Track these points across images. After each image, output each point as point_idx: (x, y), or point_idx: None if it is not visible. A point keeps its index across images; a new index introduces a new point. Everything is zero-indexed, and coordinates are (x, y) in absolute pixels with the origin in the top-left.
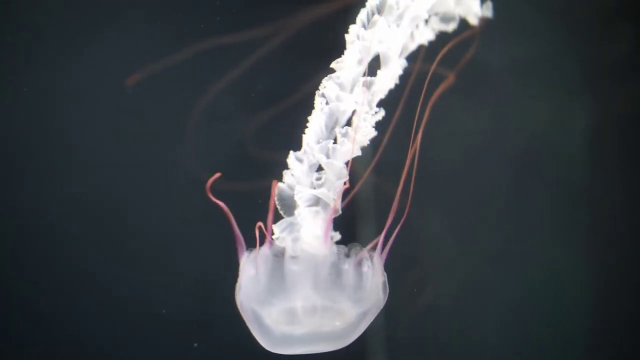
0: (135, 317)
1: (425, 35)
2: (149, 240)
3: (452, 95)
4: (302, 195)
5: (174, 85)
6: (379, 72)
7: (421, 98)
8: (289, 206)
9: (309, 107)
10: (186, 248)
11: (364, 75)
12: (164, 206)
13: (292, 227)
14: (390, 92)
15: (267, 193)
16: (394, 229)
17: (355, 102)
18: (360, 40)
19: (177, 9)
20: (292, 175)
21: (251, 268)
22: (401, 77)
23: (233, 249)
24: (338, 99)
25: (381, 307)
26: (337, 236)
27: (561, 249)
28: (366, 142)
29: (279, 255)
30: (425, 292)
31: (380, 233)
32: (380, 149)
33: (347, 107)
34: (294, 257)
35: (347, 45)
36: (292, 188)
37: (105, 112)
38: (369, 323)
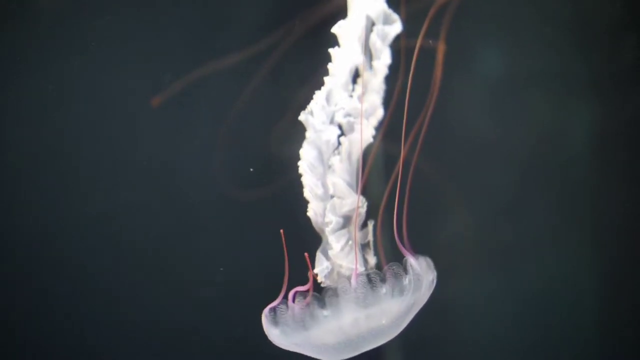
0: (165, 332)
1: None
2: (171, 252)
3: (462, 99)
4: (329, 224)
5: (194, 101)
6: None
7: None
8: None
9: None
10: (212, 259)
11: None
12: (190, 217)
13: (326, 257)
14: (395, 93)
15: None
16: (403, 231)
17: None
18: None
19: (185, 27)
20: (314, 210)
21: (278, 327)
22: (407, 79)
23: (263, 261)
24: (319, 130)
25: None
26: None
27: (567, 249)
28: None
29: (306, 306)
30: (437, 290)
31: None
32: (380, 150)
33: (330, 137)
34: (324, 301)
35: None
36: (320, 216)
37: (131, 127)
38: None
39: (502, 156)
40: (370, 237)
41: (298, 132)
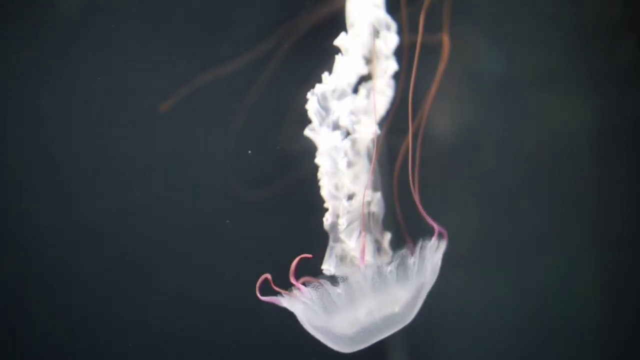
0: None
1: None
2: (183, 258)
3: (463, 98)
4: (342, 225)
5: (198, 104)
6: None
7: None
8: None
9: None
10: (218, 259)
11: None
12: (194, 218)
13: (335, 250)
14: (398, 90)
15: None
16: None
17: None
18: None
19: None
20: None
21: (299, 303)
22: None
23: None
24: (324, 140)
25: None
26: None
27: (568, 247)
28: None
29: (320, 285)
30: (438, 289)
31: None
32: (384, 147)
33: (336, 143)
34: (337, 281)
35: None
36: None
37: (136, 130)
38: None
39: (501, 156)
40: (381, 230)
41: (302, 133)
